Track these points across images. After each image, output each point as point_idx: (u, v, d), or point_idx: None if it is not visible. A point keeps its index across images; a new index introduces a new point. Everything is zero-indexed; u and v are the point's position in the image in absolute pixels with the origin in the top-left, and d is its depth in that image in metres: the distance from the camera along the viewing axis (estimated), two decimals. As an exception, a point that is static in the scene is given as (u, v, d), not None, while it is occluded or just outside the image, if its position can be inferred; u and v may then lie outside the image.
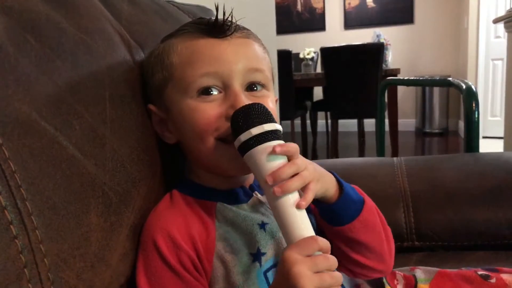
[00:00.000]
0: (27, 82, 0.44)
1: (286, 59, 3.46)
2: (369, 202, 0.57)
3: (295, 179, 0.46)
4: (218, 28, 0.54)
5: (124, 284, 0.51)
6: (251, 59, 0.55)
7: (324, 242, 0.45)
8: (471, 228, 0.87)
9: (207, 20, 0.56)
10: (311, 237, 0.45)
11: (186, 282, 0.50)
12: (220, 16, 0.55)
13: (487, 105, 4.35)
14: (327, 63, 3.39)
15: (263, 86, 0.56)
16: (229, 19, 0.55)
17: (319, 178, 0.50)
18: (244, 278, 0.52)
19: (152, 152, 0.58)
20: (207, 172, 0.57)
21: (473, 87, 1.18)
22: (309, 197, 0.47)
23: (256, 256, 0.53)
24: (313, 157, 3.90)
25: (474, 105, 1.13)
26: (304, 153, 3.84)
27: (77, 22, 0.55)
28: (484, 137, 4.18)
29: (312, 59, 4.06)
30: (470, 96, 1.15)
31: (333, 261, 0.44)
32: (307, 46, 4.36)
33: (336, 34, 5.28)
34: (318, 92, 4.54)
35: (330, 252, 0.45)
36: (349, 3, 5.25)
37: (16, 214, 0.39)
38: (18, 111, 0.42)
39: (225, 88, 0.53)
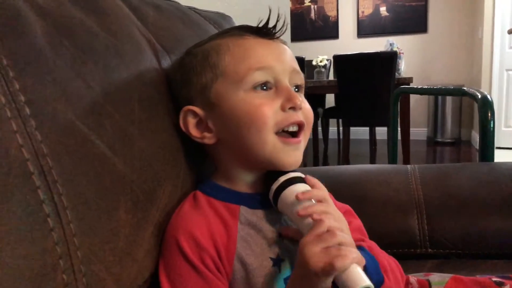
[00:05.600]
0: (63, 83, 0.46)
1: (299, 66, 3.48)
2: (388, 283, 0.54)
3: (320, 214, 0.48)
4: (267, 30, 0.58)
5: (148, 279, 0.52)
6: (294, 62, 0.59)
7: (330, 220, 0.47)
8: (485, 236, 0.87)
9: (251, 26, 0.59)
10: (318, 219, 0.47)
11: (208, 280, 0.51)
12: (264, 19, 0.58)
13: (501, 116, 4.31)
14: (340, 71, 3.40)
15: (301, 89, 0.60)
16: (279, 22, 0.58)
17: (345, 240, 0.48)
18: (264, 282, 0.52)
19: (177, 152, 0.60)
20: (245, 170, 0.58)
21: (488, 96, 1.18)
22: None
23: (276, 261, 0.53)
24: (324, 164, 3.90)
25: (489, 114, 1.13)
26: (315, 160, 3.84)
27: (107, 26, 0.57)
28: (497, 148, 4.13)
29: (324, 66, 4.08)
30: (485, 105, 1.15)
31: (341, 237, 0.45)
32: (320, 53, 4.38)
33: (349, 42, 5.29)
34: (330, 99, 4.55)
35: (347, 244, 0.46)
36: (363, 12, 5.26)
37: (52, 207, 0.41)
38: (55, 110, 0.44)
39: (276, 83, 0.56)
